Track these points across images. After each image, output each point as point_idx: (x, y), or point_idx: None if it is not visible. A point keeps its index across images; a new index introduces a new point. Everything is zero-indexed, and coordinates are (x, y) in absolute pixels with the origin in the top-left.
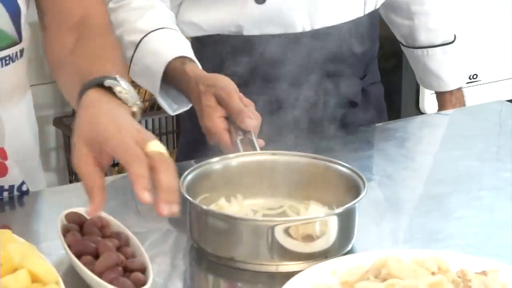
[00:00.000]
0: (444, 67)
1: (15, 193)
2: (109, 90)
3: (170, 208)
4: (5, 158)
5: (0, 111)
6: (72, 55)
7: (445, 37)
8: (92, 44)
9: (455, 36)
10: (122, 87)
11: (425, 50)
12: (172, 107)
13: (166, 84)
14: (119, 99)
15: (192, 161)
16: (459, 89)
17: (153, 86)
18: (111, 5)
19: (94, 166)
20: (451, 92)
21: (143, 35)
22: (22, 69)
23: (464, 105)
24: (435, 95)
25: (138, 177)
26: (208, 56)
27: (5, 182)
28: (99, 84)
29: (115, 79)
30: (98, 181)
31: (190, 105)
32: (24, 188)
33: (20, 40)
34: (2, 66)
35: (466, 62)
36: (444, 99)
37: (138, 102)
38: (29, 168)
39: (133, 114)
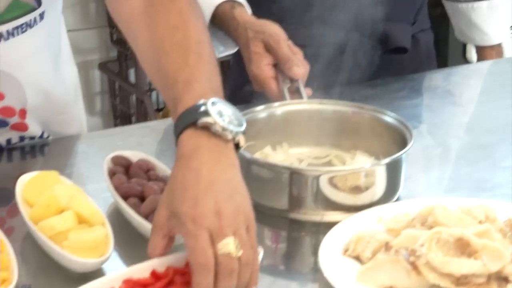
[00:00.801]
0: (489, 21)
1: (37, 140)
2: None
3: None
4: (24, 117)
5: (20, 76)
6: (143, 24)
7: None
8: (167, 17)
9: None
10: (218, 122)
11: (470, 4)
12: (218, 49)
13: (214, 26)
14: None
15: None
16: (499, 44)
17: None
18: None
19: (165, 240)
20: (492, 46)
21: None
22: (43, 32)
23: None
24: None
25: (200, 286)
26: None
27: (26, 134)
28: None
29: (207, 112)
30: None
31: (237, 48)
32: (45, 135)
33: (39, 4)
34: (18, 34)
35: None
36: (485, 53)
37: (239, 128)
38: (56, 119)
39: (237, 145)
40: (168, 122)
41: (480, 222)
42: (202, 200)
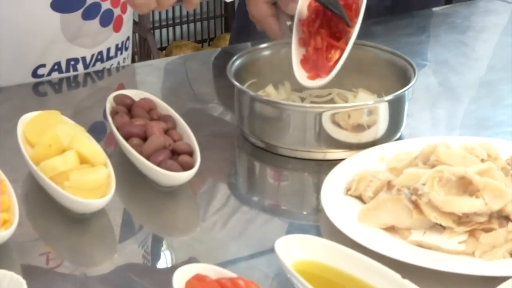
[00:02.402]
0: None
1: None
2: None
3: None
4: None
5: None
6: None
7: None
8: None
9: None
10: None
11: None
12: None
13: None
14: None
15: (249, 43)
16: None
17: None
18: None
19: None
20: None
21: None
22: None
23: None
24: None
25: None
26: None
27: (117, 39)
28: None
29: None
30: None
31: None
32: (127, 44)
33: None
34: None
35: None
36: None
37: None
38: None
39: None
40: (171, 60)
41: (482, 160)
42: None
